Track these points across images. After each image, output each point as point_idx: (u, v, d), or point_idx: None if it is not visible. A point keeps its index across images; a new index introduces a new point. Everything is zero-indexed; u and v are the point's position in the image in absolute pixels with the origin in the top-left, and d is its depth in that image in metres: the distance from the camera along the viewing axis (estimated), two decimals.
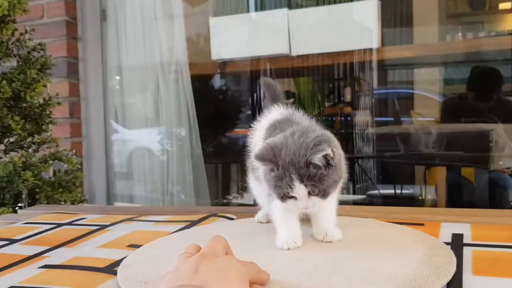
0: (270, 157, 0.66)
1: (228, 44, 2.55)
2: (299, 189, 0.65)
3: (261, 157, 0.67)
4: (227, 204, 3.06)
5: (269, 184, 0.68)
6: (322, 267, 0.62)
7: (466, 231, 0.78)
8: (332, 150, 0.65)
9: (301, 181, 0.64)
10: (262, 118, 0.82)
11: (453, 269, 0.59)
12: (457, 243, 0.71)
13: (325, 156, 0.65)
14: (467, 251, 0.67)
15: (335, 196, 0.72)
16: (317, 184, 0.65)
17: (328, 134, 0.69)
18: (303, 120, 0.76)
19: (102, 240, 0.85)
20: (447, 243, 0.71)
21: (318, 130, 0.69)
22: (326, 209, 0.72)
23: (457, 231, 0.78)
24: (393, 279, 0.56)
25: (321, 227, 0.73)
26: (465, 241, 0.73)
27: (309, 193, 0.66)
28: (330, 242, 0.71)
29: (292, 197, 0.67)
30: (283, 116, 0.78)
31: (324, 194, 0.66)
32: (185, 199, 2.49)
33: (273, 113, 0.81)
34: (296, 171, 0.64)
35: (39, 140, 1.76)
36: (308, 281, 0.57)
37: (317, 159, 0.64)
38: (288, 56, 2.44)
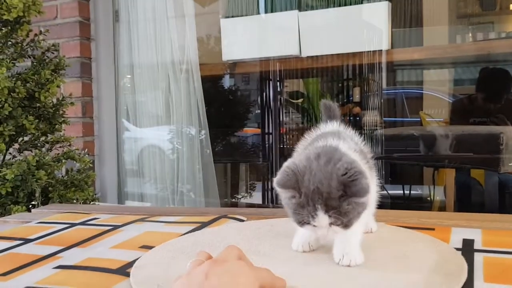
0: (292, 183, 0.61)
1: (239, 45, 2.56)
2: (322, 220, 0.60)
3: (282, 184, 0.62)
4: (236, 204, 3.08)
5: (288, 209, 0.64)
6: (334, 273, 0.63)
7: (477, 236, 0.78)
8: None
9: (326, 211, 0.60)
10: (312, 132, 0.77)
11: (464, 276, 0.59)
12: (468, 249, 0.72)
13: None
14: (478, 257, 0.67)
15: (361, 220, 0.65)
16: (342, 216, 0.60)
17: (358, 163, 0.62)
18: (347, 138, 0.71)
19: (114, 240, 0.86)
20: (458, 249, 0.71)
21: (345, 156, 0.63)
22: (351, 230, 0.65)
23: (468, 236, 0.78)
24: (405, 286, 0.57)
25: (341, 247, 0.66)
26: (476, 247, 0.73)
27: (331, 224, 0.61)
28: (348, 266, 0.64)
29: (309, 224, 0.62)
30: (331, 130, 0.74)
31: (346, 225, 0.61)
32: (194, 198, 2.51)
33: (323, 127, 0.77)
34: (323, 201, 0.60)
35: (52, 140, 1.79)
36: (319, 286, 0.58)
37: (355, 195, 0.59)
38: (298, 57, 2.44)
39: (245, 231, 0.88)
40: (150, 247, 0.79)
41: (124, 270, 0.70)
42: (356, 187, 0.59)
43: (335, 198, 0.59)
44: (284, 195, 0.64)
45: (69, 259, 0.76)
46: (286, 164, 0.64)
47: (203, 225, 0.95)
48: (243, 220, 0.98)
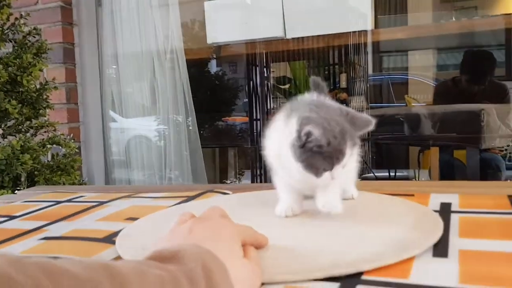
0: (327, 136, 0.63)
1: (223, 28, 2.54)
2: (338, 170, 0.65)
3: (326, 142, 0.63)
4: None
5: (307, 161, 0.65)
6: (315, 233, 0.65)
7: (454, 200, 0.80)
8: None
9: (350, 153, 0.66)
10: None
11: (440, 232, 0.61)
12: (445, 211, 0.74)
13: None
14: (454, 217, 0.70)
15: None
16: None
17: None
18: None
19: (100, 214, 0.87)
20: (435, 211, 0.73)
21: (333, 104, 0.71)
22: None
23: (446, 200, 0.80)
24: (382, 241, 0.59)
25: (323, 198, 0.70)
26: (453, 209, 0.75)
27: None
28: (329, 213, 0.69)
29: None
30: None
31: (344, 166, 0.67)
32: (182, 183, 2.51)
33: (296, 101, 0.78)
34: (349, 144, 0.65)
35: (36, 124, 1.78)
36: (300, 244, 0.60)
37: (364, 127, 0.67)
38: (283, 39, 2.43)
39: (230, 202, 0.90)
40: (136, 219, 0.80)
41: (110, 239, 0.71)
42: (361, 120, 0.66)
43: (354, 136, 0.66)
44: (309, 145, 0.65)
45: (55, 231, 0.77)
46: (305, 117, 0.65)
47: (189, 198, 0.96)
48: (228, 194, 1.00)
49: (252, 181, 2.99)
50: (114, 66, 2.57)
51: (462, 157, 2.49)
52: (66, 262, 0.35)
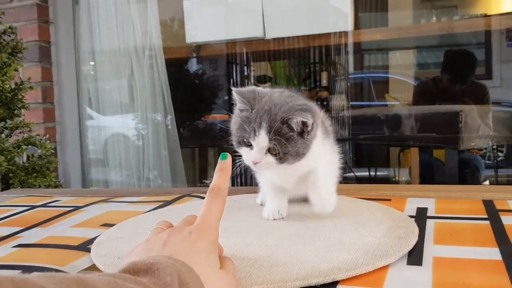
0: (249, 96, 0.65)
1: (202, 27, 2.52)
2: (262, 140, 0.64)
3: (240, 92, 0.66)
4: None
5: (234, 123, 0.67)
6: (292, 239, 0.65)
7: (430, 205, 0.81)
8: (312, 123, 0.64)
9: (268, 132, 0.63)
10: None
11: (415, 239, 0.62)
12: (421, 216, 0.75)
13: (304, 124, 0.64)
14: (430, 223, 0.71)
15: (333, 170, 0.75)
16: (281, 144, 0.63)
17: (316, 108, 0.68)
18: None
19: (75, 220, 0.86)
20: (411, 216, 0.74)
21: (308, 101, 0.68)
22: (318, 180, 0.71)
23: (422, 205, 0.81)
24: (358, 248, 0.59)
25: (317, 196, 0.72)
26: (428, 214, 0.76)
27: (268, 150, 0.65)
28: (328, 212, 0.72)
29: (248, 146, 0.66)
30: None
31: (281, 158, 0.65)
32: (161, 184, 2.49)
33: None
34: (269, 121, 0.63)
35: (11, 125, 1.74)
36: (276, 253, 0.59)
37: (296, 122, 0.63)
38: (263, 39, 2.42)
39: None
40: (112, 225, 0.79)
41: (85, 246, 0.69)
42: (301, 114, 0.63)
43: (280, 121, 0.63)
44: (238, 105, 0.67)
45: (29, 238, 0.75)
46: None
47: (166, 203, 0.95)
48: None
49: (232, 182, 2.98)
50: (92, 63, 2.53)
51: (441, 156, 2.52)
52: (39, 278, 0.34)
